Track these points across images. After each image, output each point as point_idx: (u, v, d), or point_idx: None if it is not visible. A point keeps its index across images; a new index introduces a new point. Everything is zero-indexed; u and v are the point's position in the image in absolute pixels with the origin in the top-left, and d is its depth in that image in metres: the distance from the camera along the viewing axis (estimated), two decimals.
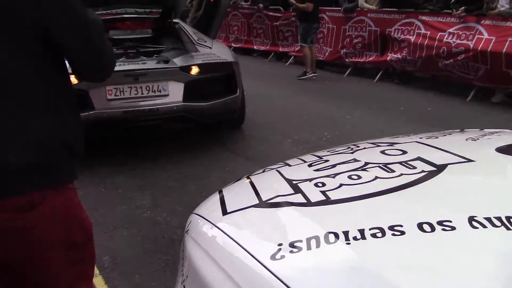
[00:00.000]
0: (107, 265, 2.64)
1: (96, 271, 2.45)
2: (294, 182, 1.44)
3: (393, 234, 1.03)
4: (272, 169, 1.67)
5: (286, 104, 6.27)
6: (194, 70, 4.23)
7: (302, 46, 7.87)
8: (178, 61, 4.25)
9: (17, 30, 1.15)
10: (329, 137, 4.85)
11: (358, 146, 1.74)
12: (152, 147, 4.61)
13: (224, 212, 1.39)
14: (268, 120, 5.50)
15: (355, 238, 1.04)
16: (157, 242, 2.91)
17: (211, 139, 4.81)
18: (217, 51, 4.65)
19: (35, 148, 1.20)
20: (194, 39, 4.73)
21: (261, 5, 10.09)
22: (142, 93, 4.13)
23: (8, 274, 1.29)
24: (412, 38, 6.97)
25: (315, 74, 7.87)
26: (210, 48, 4.65)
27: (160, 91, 4.16)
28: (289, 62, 9.66)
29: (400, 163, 1.42)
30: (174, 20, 5.13)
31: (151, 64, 4.21)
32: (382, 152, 1.59)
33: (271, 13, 9.86)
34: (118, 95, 4.06)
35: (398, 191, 1.24)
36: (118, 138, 4.56)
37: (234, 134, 5.00)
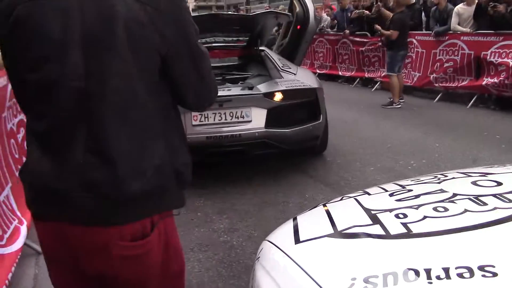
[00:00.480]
0: None
1: None
2: (372, 212, 1.36)
3: (484, 276, 0.92)
4: (350, 197, 1.59)
5: (370, 131, 6.08)
6: (278, 97, 4.24)
7: (389, 75, 7.56)
8: (262, 88, 4.29)
9: (143, 57, 1.16)
10: (415, 166, 4.59)
11: (446, 176, 1.61)
12: (232, 171, 4.67)
13: (297, 240, 1.34)
14: (351, 147, 5.35)
15: (438, 277, 0.94)
16: (231, 267, 2.89)
17: (292, 165, 4.76)
18: (301, 77, 4.64)
19: (151, 174, 1.19)
20: (279, 66, 4.76)
21: (347, 31, 10.03)
22: (225, 119, 4.21)
23: None
24: (511, 62, 6.50)
25: (402, 101, 7.58)
26: (295, 74, 4.65)
27: (243, 117, 4.21)
28: (375, 88, 9.44)
29: (494, 195, 1.29)
30: (260, 48, 5.23)
31: (235, 90, 4.28)
32: (474, 183, 1.46)
33: (357, 39, 9.76)
34: (202, 121, 4.18)
35: (490, 227, 1.12)
36: (199, 162, 4.67)
37: (316, 160, 4.92)
